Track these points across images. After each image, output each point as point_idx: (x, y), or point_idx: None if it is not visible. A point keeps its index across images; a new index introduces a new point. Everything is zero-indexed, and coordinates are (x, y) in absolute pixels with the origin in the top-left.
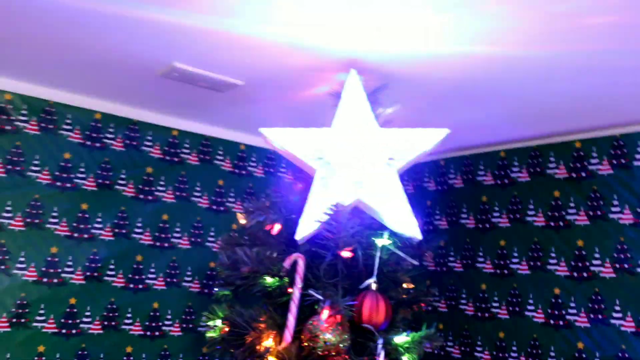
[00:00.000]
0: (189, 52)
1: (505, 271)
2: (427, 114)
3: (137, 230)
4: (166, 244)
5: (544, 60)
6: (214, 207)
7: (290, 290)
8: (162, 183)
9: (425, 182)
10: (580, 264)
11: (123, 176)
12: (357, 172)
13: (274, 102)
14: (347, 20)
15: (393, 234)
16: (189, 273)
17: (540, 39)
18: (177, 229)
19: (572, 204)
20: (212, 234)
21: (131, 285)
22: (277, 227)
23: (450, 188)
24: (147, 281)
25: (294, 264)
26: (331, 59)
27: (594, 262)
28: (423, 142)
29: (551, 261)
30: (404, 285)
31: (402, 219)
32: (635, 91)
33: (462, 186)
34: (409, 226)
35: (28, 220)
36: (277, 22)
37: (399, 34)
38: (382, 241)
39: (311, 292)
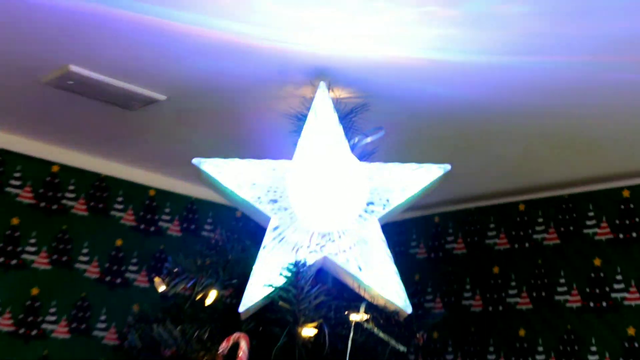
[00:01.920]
0: (91, 52)
1: None
2: (420, 146)
3: None
4: (34, 332)
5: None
6: (108, 278)
7: None
8: (32, 242)
9: (412, 246)
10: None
11: None
12: (324, 221)
13: (208, 127)
14: (316, 16)
15: (372, 307)
16: None
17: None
18: (52, 310)
19: (619, 277)
20: (102, 318)
21: None
22: (211, 296)
23: (447, 255)
24: None
25: (235, 346)
26: (293, 67)
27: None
28: (415, 181)
29: (592, 357)
30: None
31: (385, 286)
32: None
33: (465, 252)
34: (395, 296)
35: None
36: (220, 13)
37: (384, 36)
38: (357, 316)
39: None
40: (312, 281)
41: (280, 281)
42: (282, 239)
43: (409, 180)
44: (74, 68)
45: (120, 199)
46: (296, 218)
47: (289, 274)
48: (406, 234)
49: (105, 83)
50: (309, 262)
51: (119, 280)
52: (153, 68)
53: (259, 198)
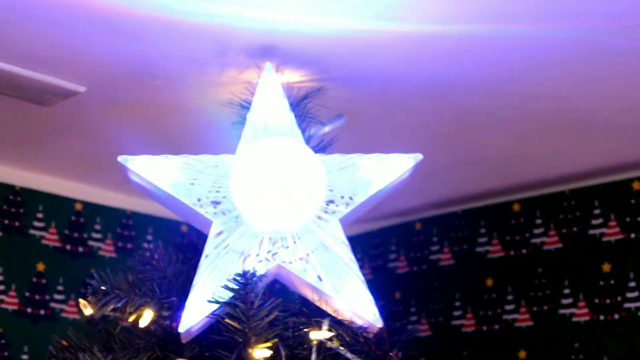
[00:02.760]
0: None
1: None
2: (391, 136)
3: None
4: None
5: None
6: (29, 310)
7: None
8: None
9: (391, 259)
10: None
11: None
12: (276, 225)
13: (139, 123)
14: None
15: (336, 323)
16: None
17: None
18: None
19: (632, 285)
20: (24, 358)
21: None
22: (146, 317)
23: (432, 268)
24: None
25: None
26: (234, 46)
27: None
28: (381, 175)
29: None
30: None
31: (350, 297)
32: None
33: (453, 263)
34: (363, 308)
35: None
36: None
37: (343, 4)
38: (320, 334)
39: None
40: (264, 294)
41: (226, 295)
42: (227, 246)
43: (374, 174)
44: None
45: (40, 215)
46: (243, 221)
47: (236, 287)
48: (383, 245)
49: (12, 74)
50: (260, 272)
51: (42, 312)
52: (68, 54)
53: (198, 200)
